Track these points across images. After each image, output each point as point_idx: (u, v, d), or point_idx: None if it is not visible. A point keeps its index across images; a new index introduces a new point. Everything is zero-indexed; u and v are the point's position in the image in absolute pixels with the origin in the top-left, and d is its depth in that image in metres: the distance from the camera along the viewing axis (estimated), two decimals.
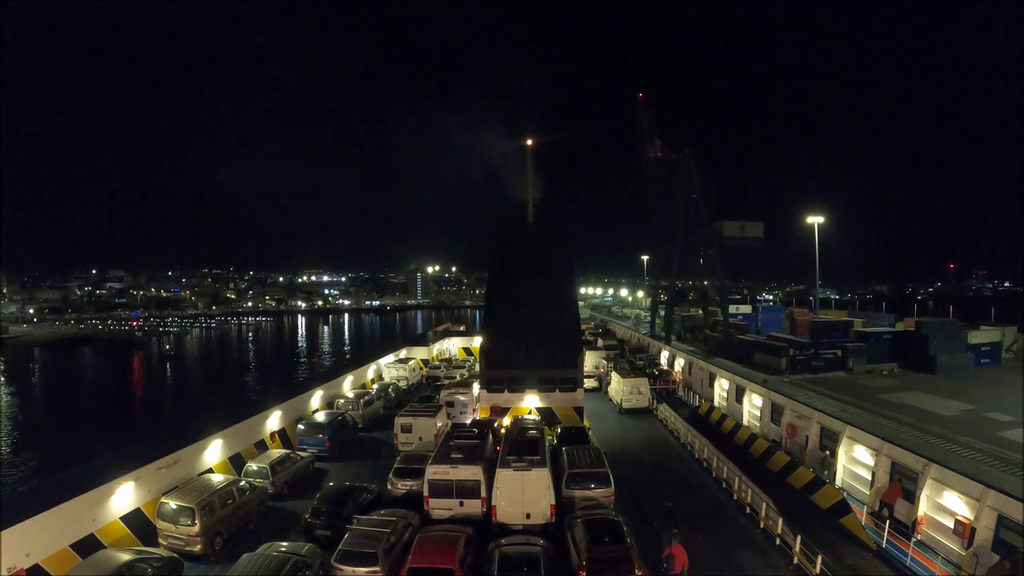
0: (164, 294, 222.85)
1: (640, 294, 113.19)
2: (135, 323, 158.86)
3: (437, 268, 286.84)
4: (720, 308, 45.30)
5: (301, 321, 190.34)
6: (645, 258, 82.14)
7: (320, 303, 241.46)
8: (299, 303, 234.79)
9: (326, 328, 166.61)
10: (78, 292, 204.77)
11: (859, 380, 30.05)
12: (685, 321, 53.59)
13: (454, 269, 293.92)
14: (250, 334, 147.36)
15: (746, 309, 52.64)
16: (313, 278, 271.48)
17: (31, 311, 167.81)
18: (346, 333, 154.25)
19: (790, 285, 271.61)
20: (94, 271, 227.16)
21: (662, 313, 54.43)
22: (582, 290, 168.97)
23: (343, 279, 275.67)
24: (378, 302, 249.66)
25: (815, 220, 42.17)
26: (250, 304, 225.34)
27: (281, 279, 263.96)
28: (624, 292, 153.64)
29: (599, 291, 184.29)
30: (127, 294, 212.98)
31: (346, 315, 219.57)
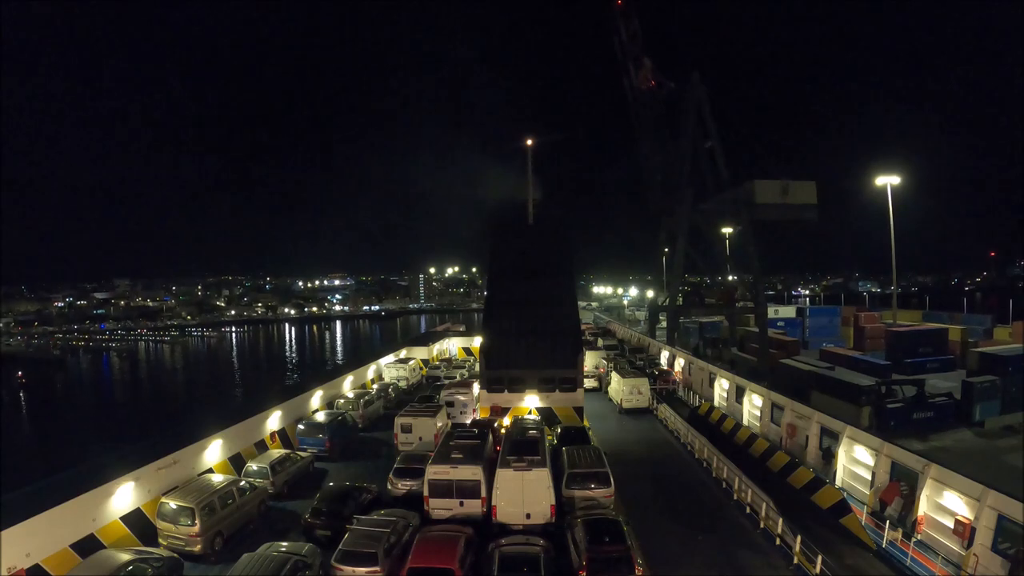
0: (150, 303, 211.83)
1: (650, 293, 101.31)
2: (52, 339, 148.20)
3: (456, 269, 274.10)
4: (753, 313, 34.23)
5: (288, 330, 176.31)
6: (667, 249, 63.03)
7: (314, 309, 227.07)
8: (288, 310, 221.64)
9: (308, 339, 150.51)
10: (56, 304, 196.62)
11: (1002, 452, 17.74)
12: (704, 331, 40.83)
13: (474, 270, 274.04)
14: (199, 349, 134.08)
15: (788, 312, 39.43)
16: (325, 282, 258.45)
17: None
18: (307, 348, 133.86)
19: (826, 278, 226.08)
20: (117, 281, 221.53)
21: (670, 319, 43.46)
22: (598, 290, 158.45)
23: (351, 282, 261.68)
24: (377, 307, 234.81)
25: (887, 181, 28.71)
26: (233, 313, 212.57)
27: (294, 284, 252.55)
28: (634, 291, 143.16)
29: (617, 290, 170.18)
30: (107, 304, 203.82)
31: (337, 322, 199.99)
